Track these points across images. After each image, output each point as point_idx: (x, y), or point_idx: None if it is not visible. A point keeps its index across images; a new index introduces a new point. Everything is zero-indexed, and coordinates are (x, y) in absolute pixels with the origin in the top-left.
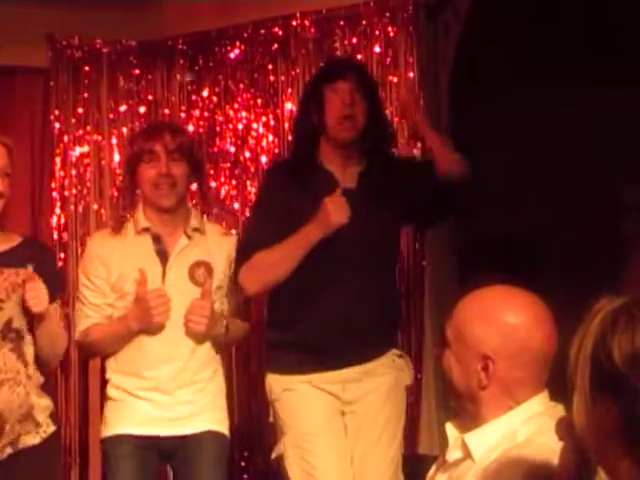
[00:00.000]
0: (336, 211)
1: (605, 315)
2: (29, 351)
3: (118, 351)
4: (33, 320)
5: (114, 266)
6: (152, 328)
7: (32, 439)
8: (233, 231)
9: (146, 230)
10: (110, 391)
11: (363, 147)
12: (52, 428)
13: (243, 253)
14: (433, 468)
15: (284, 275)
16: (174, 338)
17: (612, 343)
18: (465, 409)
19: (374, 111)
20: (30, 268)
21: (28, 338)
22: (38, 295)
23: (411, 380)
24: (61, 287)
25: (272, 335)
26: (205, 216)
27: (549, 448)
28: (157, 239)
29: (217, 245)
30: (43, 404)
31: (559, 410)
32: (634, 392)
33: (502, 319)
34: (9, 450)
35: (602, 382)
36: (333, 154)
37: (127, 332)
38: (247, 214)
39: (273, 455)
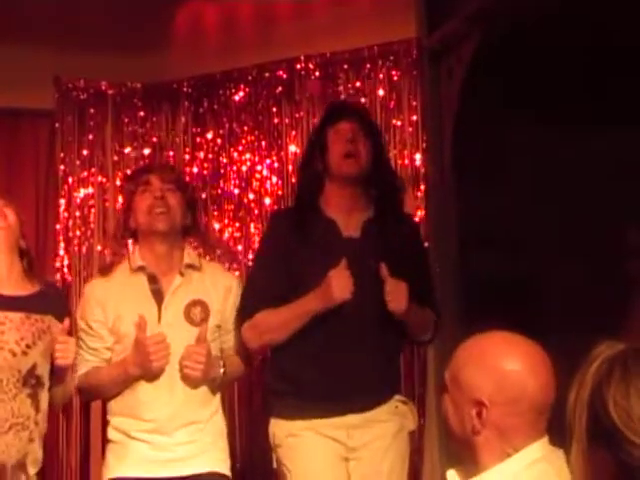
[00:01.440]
0: (339, 286)
1: (601, 364)
2: (44, 398)
3: (118, 394)
4: (53, 368)
5: (111, 308)
6: (152, 373)
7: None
8: (237, 273)
9: (141, 269)
10: (110, 433)
11: (369, 193)
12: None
13: (245, 307)
14: None
15: (283, 338)
16: (171, 380)
17: (607, 395)
18: (465, 455)
19: (378, 152)
20: (67, 322)
21: (46, 385)
22: (68, 349)
23: (415, 426)
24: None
25: (273, 382)
26: (205, 256)
27: None
28: (152, 278)
29: (214, 283)
30: (38, 456)
31: (559, 455)
32: (629, 446)
33: (498, 365)
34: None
35: (598, 432)
36: (337, 199)
37: (126, 376)
38: (250, 256)
39: None
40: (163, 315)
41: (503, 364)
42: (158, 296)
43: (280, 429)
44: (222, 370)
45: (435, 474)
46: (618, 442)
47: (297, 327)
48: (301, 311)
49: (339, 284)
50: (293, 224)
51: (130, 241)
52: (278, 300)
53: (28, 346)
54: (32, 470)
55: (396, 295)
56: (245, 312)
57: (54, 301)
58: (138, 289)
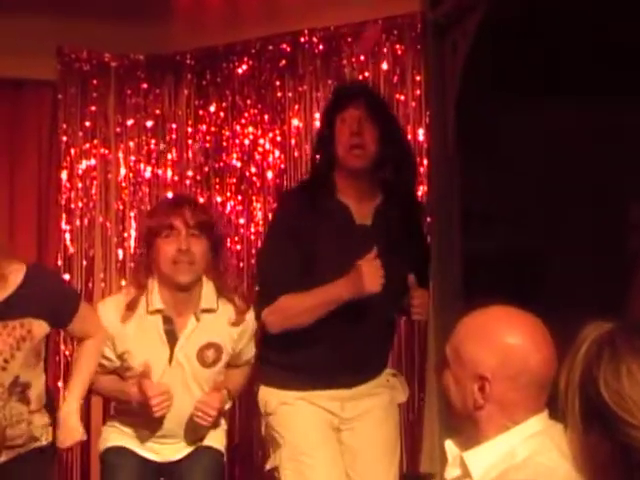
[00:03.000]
0: (370, 277)
1: (590, 346)
2: (34, 393)
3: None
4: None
5: (120, 340)
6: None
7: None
8: (247, 316)
9: (158, 311)
10: (109, 421)
11: (379, 178)
12: (52, 434)
13: (265, 294)
14: None
15: (308, 323)
16: (178, 415)
17: (598, 377)
18: (464, 428)
19: (388, 137)
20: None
21: (35, 383)
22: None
23: (405, 398)
24: (74, 301)
25: (267, 353)
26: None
27: (547, 468)
28: (167, 319)
29: (225, 330)
30: (43, 422)
31: (558, 429)
32: (624, 425)
33: (501, 340)
34: (4, 457)
35: (592, 414)
36: (347, 186)
37: (129, 403)
38: (252, 229)
39: (267, 467)
40: (175, 356)
41: (505, 338)
42: (171, 337)
43: (273, 397)
44: (229, 405)
45: (435, 447)
46: (612, 423)
47: (323, 313)
48: (329, 299)
49: (371, 275)
50: (305, 204)
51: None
52: (296, 284)
53: (6, 361)
54: (39, 432)
55: (422, 308)
56: (266, 296)
57: (33, 298)
58: (152, 329)
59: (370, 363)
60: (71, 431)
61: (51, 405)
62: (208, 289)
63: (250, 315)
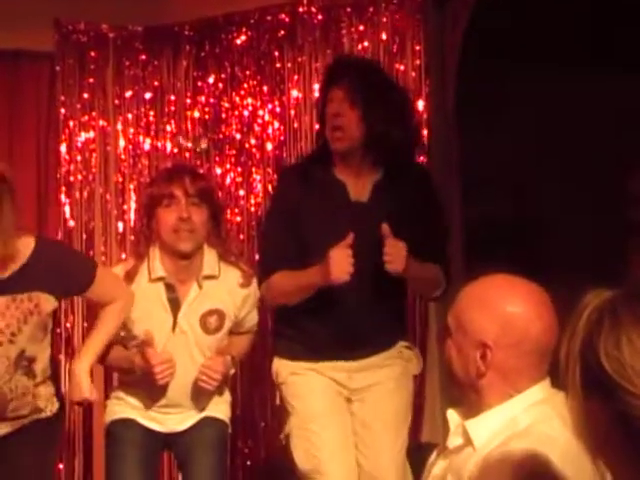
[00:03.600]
0: (337, 266)
1: (590, 314)
2: (39, 366)
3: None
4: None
5: None
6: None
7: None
8: (253, 281)
9: (160, 279)
10: (114, 393)
11: (376, 155)
12: (56, 405)
13: (264, 266)
14: (434, 455)
15: (295, 302)
16: (182, 384)
17: (599, 346)
18: (467, 397)
19: (375, 118)
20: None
21: (40, 357)
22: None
23: (419, 370)
24: (89, 270)
25: (279, 327)
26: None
27: (549, 436)
28: (170, 288)
29: (231, 291)
30: (48, 393)
31: (560, 397)
32: (625, 394)
33: (502, 308)
34: (9, 428)
35: (592, 384)
36: (343, 164)
37: (133, 373)
38: (252, 201)
39: (281, 435)
40: (178, 323)
41: (507, 306)
42: (174, 305)
43: (284, 367)
44: (232, 371)
45: (436, 417)
46: (613, 392)
47: (305, 295)
48: (305, 284)
49: (338, 265)
50: (302, 180)
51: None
52: (293, 260)
53: (13, 334)
54: (44, 403)
55: (395, 256)
56: (263, 271)
57: (42, 272)
58: (154, 297)
59: (374, 336)
60: (80, 387)
61: (56, 376)
62: (210, 256)
63: (254, 281)
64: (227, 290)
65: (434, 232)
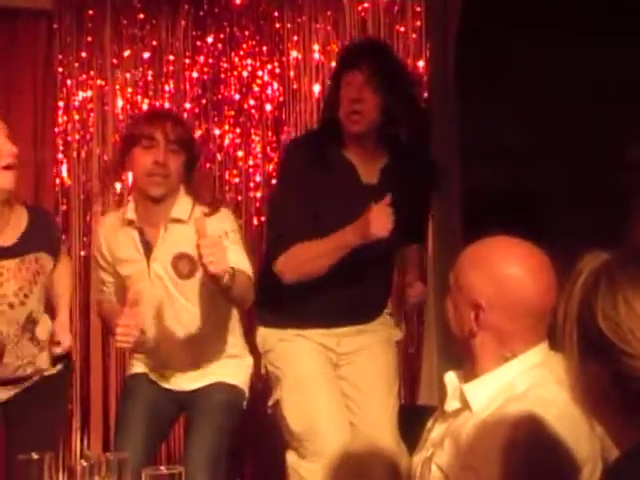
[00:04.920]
0: (378, 221)
1: (587, 277)
2: (40, 331)
3: None
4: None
5: (112, 248)
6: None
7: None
8: (225, 213)
9: (130, 222)
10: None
11: (385, 139)
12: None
13: (278, 245)
14: (431, 421)
15: (320, 271)
16: (170, 332)
17: (595, 308)
18: (465, 359)
19: (393, 102)
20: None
21: (42, 319)
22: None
23: (402, 336)
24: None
25: (265, 296)
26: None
27: (545, 399)
28: (141, 231)
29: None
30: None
31: (558, 359)
32: (622, 355)
33: (497, 269)
34: (29, 369)
35: (589, 346)
36: (353, 145)
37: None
38: (250, 162)
39: (270, 403)
40: (152, 267)
41: (503, 268)
42: (147, 249)
43: (271, 335)
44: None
45: (433, 380)
46: (610, 353)
47: (333, 260)
48: (338, 244)
49: (379, 220)
50: (313, 158)
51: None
52: (307, 235)
53: (26, 295)
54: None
55: (418, 299)
56: (278, 248)
57: (41, 234)
58: (130, 240)
59: (368, 309)
60: (68, 336)
61: None
62: (183, 201)
63: (227, 214)
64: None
65: (425, 215)
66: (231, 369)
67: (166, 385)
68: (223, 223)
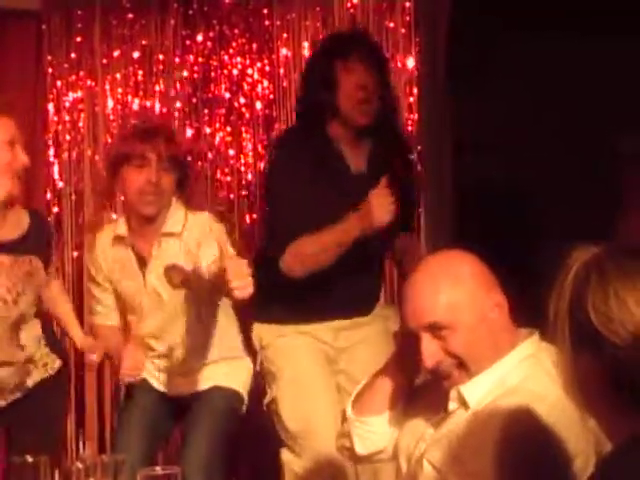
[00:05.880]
0: (379, 208)
1: (577, 270)
2: (27, 335)
3: None
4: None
5: (108, 265)
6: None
7: (40, 375)
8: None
9: (122, 239)
10: None
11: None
12: (57, 363)
13: (281, 241)
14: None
15: (326, 263)
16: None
17: (587, 302)
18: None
19: (389, 90)
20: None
21: (29, 326)
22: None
23: (397, 327)
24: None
25: (261, 292)
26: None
27: (536, 394)
28: (134, 247)
29: (199, 238)
30: (42, 355)
31: (550, 352)
32: (613, 348)
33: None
34: (18, 394)
35: (582, 339)
36: (344, 135)
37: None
38: (242, 160)
39: (265, 401)
40: (147, 280)
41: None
42: (142, 263)
43: (268, 331)
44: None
45: None
46: (602, 346)
47: (338, 251)
48: (340, 236)
49: (380, 207)
50: (303, 153)
51: None
52: (309, 229)
53: (18, 294)
54: (50, 364)
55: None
56: (282, 244)
57: (39, 239)
58: (125, 254)
59: (364, 301)
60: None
61: (54, 338)
62: (175, 213)
63: (205, 218)
64: (194, 242)
65: (414, 200)
66: (230, 372)
67: (164, 390)
68: (204, 225)
